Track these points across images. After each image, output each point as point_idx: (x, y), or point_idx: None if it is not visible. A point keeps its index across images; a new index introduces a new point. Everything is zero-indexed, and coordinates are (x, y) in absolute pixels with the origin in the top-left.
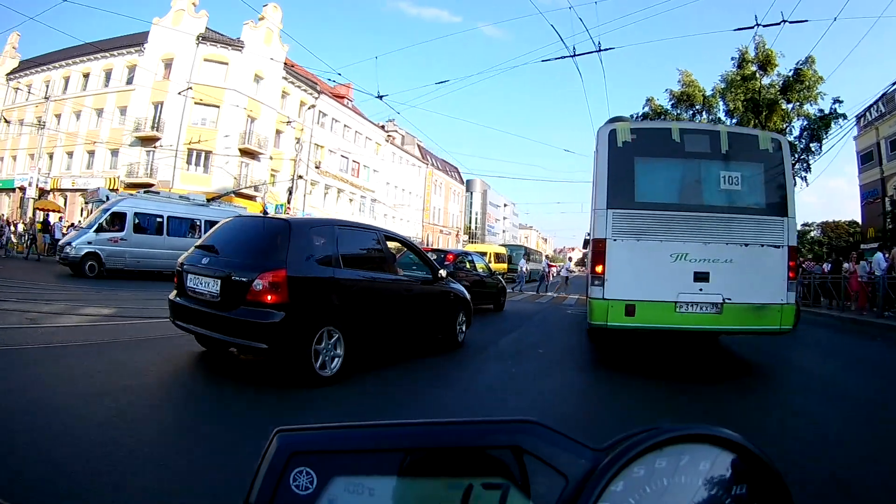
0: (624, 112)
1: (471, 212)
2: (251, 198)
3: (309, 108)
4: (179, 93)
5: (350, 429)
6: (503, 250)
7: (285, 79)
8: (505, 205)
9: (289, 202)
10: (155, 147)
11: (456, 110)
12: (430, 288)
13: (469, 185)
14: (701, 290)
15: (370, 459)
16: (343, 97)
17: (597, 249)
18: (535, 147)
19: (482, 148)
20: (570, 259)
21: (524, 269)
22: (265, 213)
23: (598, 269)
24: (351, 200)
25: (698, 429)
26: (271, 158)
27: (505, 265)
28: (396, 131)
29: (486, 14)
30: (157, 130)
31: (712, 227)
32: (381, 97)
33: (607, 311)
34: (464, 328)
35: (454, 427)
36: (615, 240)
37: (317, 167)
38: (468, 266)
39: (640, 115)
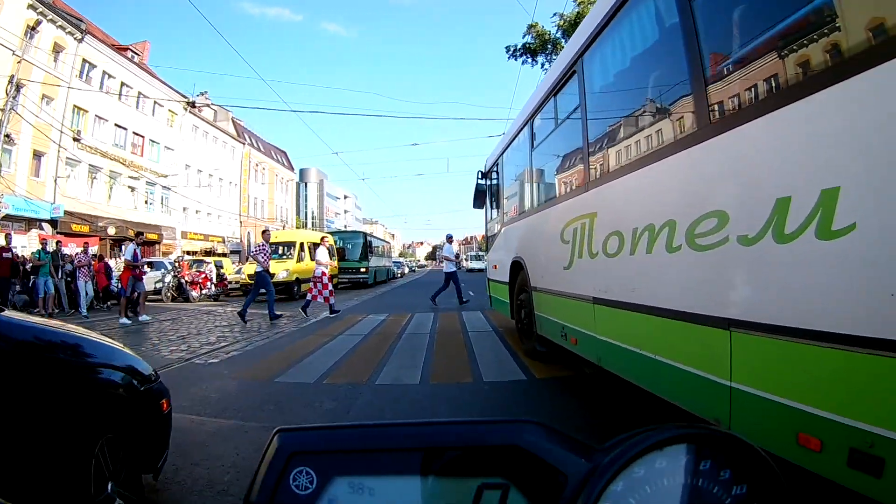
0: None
1: (306, 205)
2: None
3: (58, 54)
4: None
5: (350, 429)
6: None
7: (32, 7)
8: (346, 196)
9: None
10: None
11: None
12: None
13: (303, 175)
14: None
15: (370, 459)
16: (125, 49)
17: None
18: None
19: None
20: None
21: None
22: None
23: None
24: (132, 189)
25: (698, 428)
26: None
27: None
28: (209, 105)
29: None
30: None
31: None
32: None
33: None
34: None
35: (454, 427)
36: None
37: (76, 139)
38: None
39: (519, 47)
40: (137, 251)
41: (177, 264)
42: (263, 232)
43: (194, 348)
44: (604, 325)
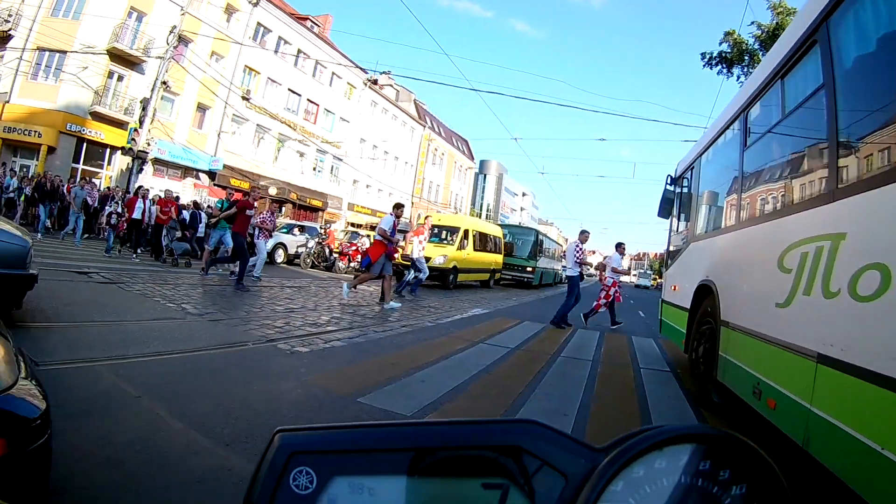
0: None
1: (482, 196)
2: (120, 123)
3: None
4: None
5: (350, 429)
6: (496, 230)
7: None
8: (524, 194)
9: (140, 125)
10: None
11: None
12: None
13: (483, 167)
14: None
15: (370, 459)
16: (304, 19)
17: None
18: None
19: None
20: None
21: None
22: (129, 147)
23: None
24: (302, 155)
25: (698, 428)
26: (168, 75)
27: (498, 257)
28: (391, 86)
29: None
30: (12, 27)
31: None
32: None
33: None
34: None
35: (455, 427)
36: None
37: (244, 98)
38: None
39: (715, 55)
40: (396, 223)
41: (323, 232)
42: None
43: (292, 328)
44: (828, 396)
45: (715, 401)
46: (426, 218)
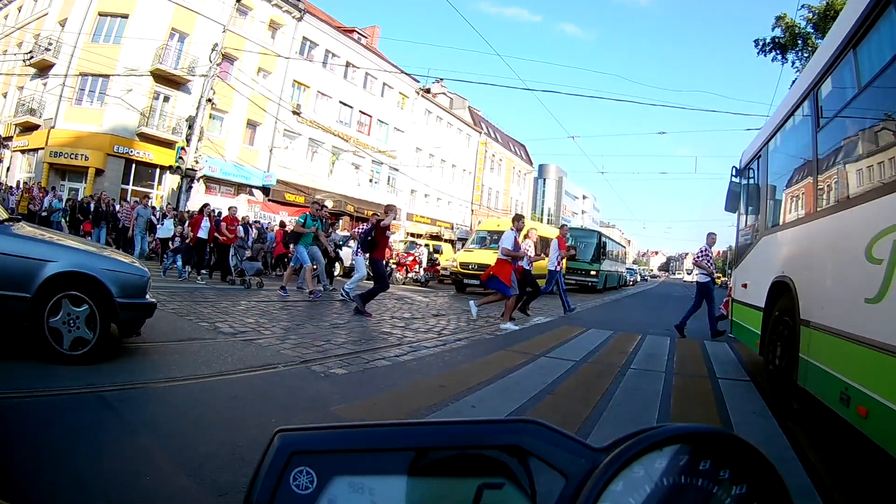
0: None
1: (543, 200)
2: (168, 143)
3: (278, 32)
4: None
5: (350, 429)
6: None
7: None
8: (584, 196)
9: (188, 143)
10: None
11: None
12: None
13: (542, 171)
14: None
15: (370, 459)
16: (351, 31)
17: None
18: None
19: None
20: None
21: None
22: (174, 166)
23: None
24: (357, 167)
25: (698, 428)
26: (214, 93)
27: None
28: (444, 93)
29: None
30: (53, 55)
31: None
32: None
33: None
34: None
35: (455, 427)
36: None
37: (295, 112)
38: None
39: (768, 41)
40: (517, 238)
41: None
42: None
43: (333, 346)
44: None
45: (795, 408)
46: (562, 227)
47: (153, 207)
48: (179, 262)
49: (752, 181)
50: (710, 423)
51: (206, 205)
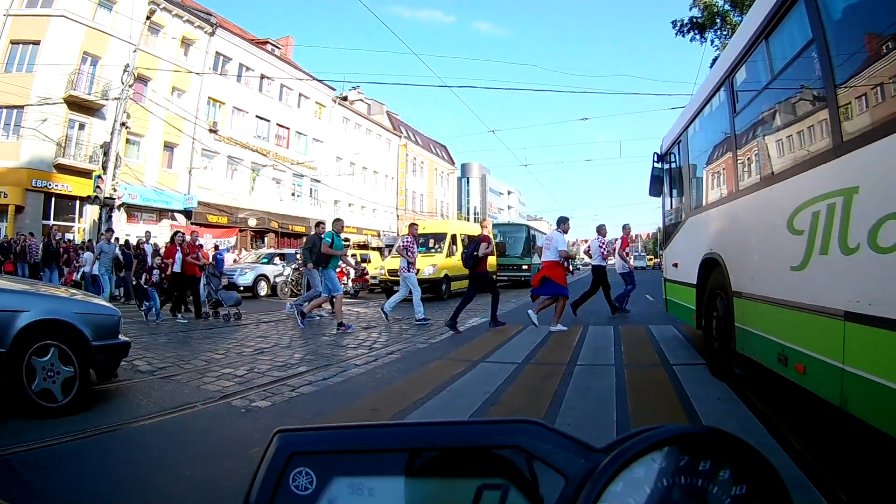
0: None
1: (468, 200)
2: (86, 173)
3: (188, 48)
4: None
5: (350, 429)
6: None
7: (156, 3)
8: (509, 192)
9: (104, 171)
10: None
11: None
12: None
13: (465, 170)
14: None
15: (370, 460)
16: (264, 43)
17: None
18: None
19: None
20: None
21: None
22: (93, 196)
23: None
24: (278, 182)
25: (698, 429)
26: (128, 117)
27: (491, 259)
28: (361, 100)
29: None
30: None
31: None
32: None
33: None
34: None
35: (455, 428)
36: None
37: (212, 131)
38: None
39: (686, 21)
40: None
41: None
42: (411, 225)
43: (258, 373)
44: (861, 353)
45: (738, 373)
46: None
47: (116, 240)
48: (157, 301)
49: (674, 165)
50: (674, 415)
51: (176, 232)
